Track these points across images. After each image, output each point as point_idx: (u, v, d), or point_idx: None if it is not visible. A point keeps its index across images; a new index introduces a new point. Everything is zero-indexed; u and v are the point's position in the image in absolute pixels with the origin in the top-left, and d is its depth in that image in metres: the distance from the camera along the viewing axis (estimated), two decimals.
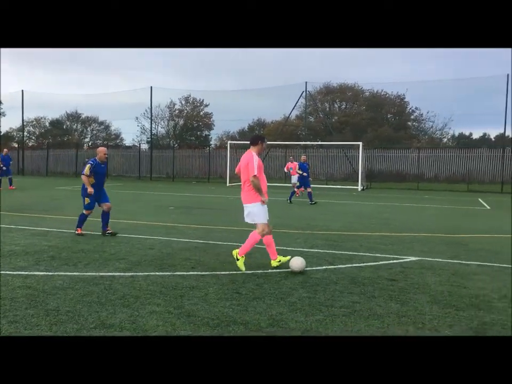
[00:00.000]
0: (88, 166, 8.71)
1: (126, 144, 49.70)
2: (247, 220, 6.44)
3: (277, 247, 7.88)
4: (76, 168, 37.21)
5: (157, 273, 6.01)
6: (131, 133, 67.44)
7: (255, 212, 6.30)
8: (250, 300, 4.97)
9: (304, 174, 17.67)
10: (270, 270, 6.32)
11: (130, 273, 5.97)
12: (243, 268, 6.21)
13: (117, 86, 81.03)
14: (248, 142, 6.62)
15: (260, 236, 6.35)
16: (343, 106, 50.00)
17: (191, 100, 52.23)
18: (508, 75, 28.07)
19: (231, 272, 6.15)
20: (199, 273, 6.09)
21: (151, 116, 41.00)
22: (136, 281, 5.60)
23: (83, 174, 8.68)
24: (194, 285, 5.52)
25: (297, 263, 6.16)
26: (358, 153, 28.70)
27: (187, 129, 53.45)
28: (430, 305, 4.91)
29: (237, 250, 6.38)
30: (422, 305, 4.91)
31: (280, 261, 6.48)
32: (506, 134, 31.77)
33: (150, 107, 39.10)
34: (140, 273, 5.99)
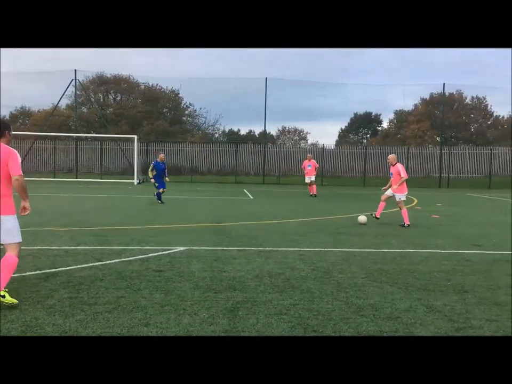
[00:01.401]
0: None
1: None
2: (5, 239, 4.67)
3: (39, 247, 7.28)
4: None
5: None
6: None
7: (14, 227, 4.71)
8: (2, 309, 4.44)
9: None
10: (28, 273, 5.77)
11: None
12: (15, 301, 4.58)
13: None
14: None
15: (17, 259, 4.77)
16: (118, 98, 48.78)
17: None
18: (266, 78, 31.53)
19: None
20: None
21: None
22: None
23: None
24: None
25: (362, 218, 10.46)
26: (134, 146, 28.44)
27: None
28: (192, 291, 5.18)
29: None
30: (185, 292, 5.15)
31: (4, 296, 4.56)
32: (267, 131, 35.79)
33: None
34: None
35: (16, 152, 4.85)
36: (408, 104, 60.96)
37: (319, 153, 34.62)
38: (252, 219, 11.65)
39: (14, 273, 5.65)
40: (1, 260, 4.63)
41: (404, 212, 10.81)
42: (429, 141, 44.74)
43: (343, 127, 58.42)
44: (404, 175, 10.83)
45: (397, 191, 10.89)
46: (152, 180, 15.74)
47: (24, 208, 4.88)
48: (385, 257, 7.27)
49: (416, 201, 17.85)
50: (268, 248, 7.73)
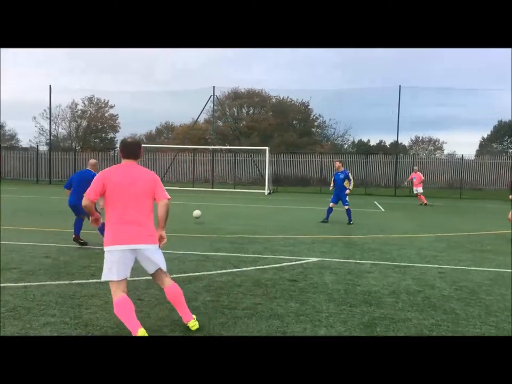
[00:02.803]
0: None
1: (22, 146, 46.47)
2: (162, 267, 4.30)
3: (183, 252, 7.87)
4: None
5: (53, 283, 5.69)
6: (28, 134, 63.12)
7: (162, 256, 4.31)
8: (152, 306, 4.89)
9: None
10: (174, 275, 6.26)
11: (22, 284, 5.60)
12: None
13: (12, 83, 75.44)
14: (135, 147, 4.23)
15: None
16: (250, 111, 50.92)
17: (95, 100, 50.22)
18: (399, 87, 30.40)
19: (133, 279, 5.98)
20: (99, 280, 5.85)
21: (50, 116, 38.69)
22: (29, 292, 5.26)
23: None
24: (94, 293, 5.31)
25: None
26: (265, 157, 29.38)
27: (91, 131, 51.26)
28: (326, 303, 5.17)
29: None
30: (320, 303, 5.15)
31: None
32: (399, 142, 34.39)
33: (49, 107, 36.87)
34: (34, 283, 5.64)
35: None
36: None
37: (457, 164, 32.33)
38: (383, 232, 11.27)
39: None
40: (173, 291, 4.31)
41: None
42: None
43: (485, 136, 53.85)
44: None
45: None
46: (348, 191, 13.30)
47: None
48: None
49: None
50: (403, 264, 7.41)
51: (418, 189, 21.57)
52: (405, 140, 51.25)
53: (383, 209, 18.96)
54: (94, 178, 4.15)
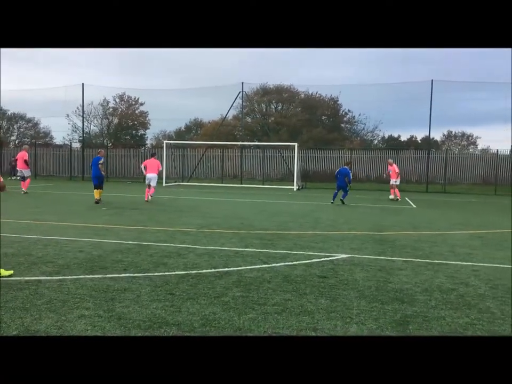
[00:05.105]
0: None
1: (56, 143, 47.68)
2: None
3: (213, 247, 7.93)
4: None
5: (87, 276, 5.82)
6: (62, 131, 64.69)
7: None
8: (183, 301, 4.94)
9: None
10: (204, 270, 6.32)
11: (58, 277, 5.75)
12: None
13: (46, 82, 77.35)
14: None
15: None
16: (279, 107, 50.77)
17: (126, 98, 50.99)
18: (431, 81, 29.74)
19: (164, 273, 6.08)
20: (131, 275, 5.97)
21: (83, 113, 39.48)
22: (64, 285, 5.40)
23: None
24: (126, 287, 5.41)
25: None
26: (294, 153, 29.27)
27: (122, 128, 52.07)
28: (357, 300, 5.12)
29: None
30: (350, 300, 5.11)
31: None
32: (431, 137, 33.69)
33: (82, 104, 37.64)
34: (69, 277, 5.78)
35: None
36: None
37: (492, 159, 31.46)
38: (415, 229, 11.07)
39: (193, 270, 6.27)
40: None
41: None
42: None
43: None
44: None
45: None
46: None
47: None
48: None
49: None
50: (436, 261, 7.26)
51: (395, 181, 21.22)
52: (437, 135, 50.17)
53: (414, 206, 18.62)
54: None
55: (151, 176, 17.08)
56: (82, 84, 35.46)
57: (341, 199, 17.80)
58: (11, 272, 5.80)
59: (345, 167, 18.61)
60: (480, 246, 8.76)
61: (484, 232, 10.90)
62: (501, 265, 7.04)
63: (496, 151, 32.28)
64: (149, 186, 17.06)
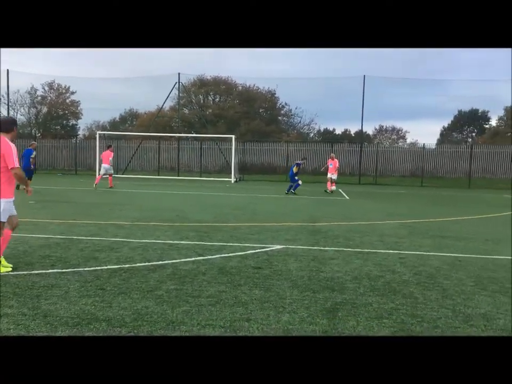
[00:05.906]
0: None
1: None
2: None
3: (147, 240, 7.77)
4: None
5: (10, 273, 5.52)
6: None
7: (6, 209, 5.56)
8: (115, 296, 4.81)
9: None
10: (138, 264, 6.18)
11: None
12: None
13: None
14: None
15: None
16: (216, 99, 50.52)
17: (56, 86, 48.69)
18: (364, 76, 30.77)
19: (95, 268, 5.89)
20: (59, 270, 5.73)
21: (8, 102, 37.27)
22: None
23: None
24: (54, 283, 5.18)
25: None
26: (231, 146, 29.28)
27: (51, 118, 49.73)
28: (290, 289, 5.22)
29: None
30: (283, 290, 5.20)
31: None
32: (364, 131, 34.94)
33: (7, 92, 35.50)
34: None
35: (13, 146, 5.50)
36: None
37: (419, 152, 33.10)
38: (348, 220, 11.45)
39: (126, 264, 6.13)
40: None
41: None
42: None
43: (446, 125, 55.39)
44: None
45: None
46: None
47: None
48: (495, 264, 6.76)
49: None
50: (365, 250, 7.55)
51: (333, 176, 21.43)
52: (369, 129, 52.06)
53: (347, 197, 19.25)
54: None
55: (104, 167, 20.00)
56: (7, 69, 33.47)
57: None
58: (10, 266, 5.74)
59: (297, 161, 20.71)
60: (407, 235, 9.21)
61: (412, 221, 11.47)
62: (426, 253, 7.44)
63: (423, 144, 34.06)
64: (104, 175, 19.98)
